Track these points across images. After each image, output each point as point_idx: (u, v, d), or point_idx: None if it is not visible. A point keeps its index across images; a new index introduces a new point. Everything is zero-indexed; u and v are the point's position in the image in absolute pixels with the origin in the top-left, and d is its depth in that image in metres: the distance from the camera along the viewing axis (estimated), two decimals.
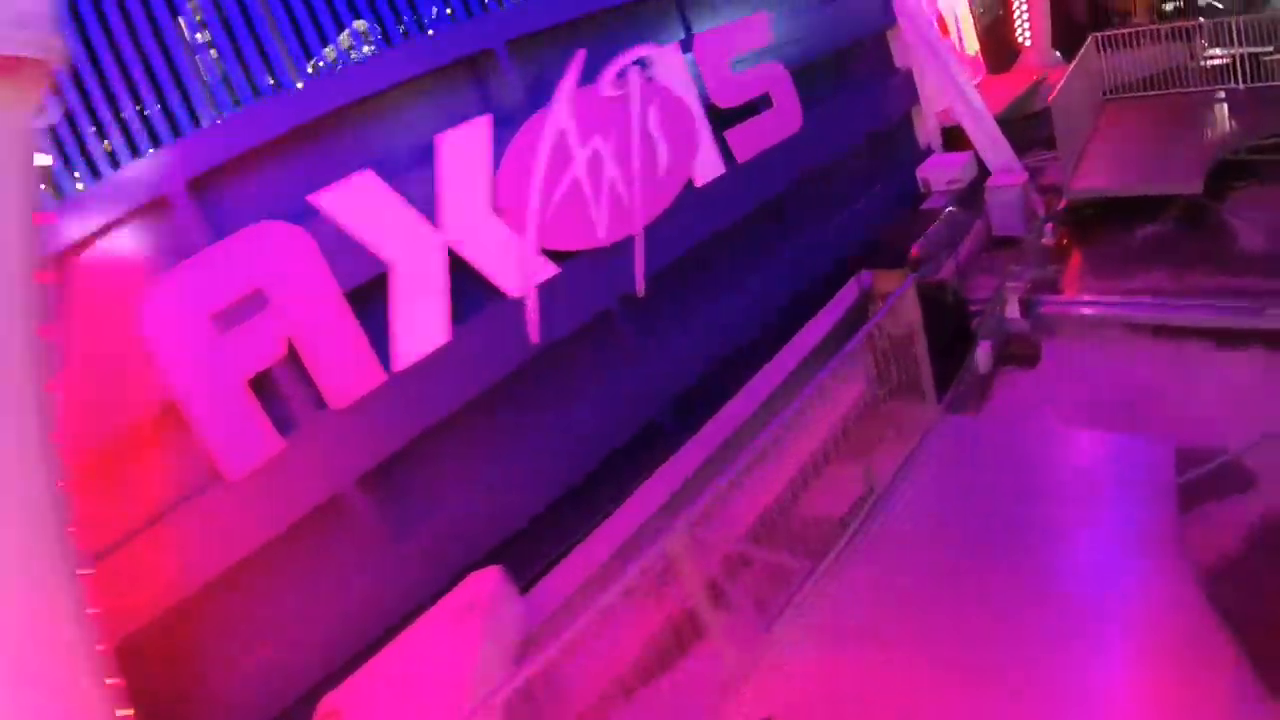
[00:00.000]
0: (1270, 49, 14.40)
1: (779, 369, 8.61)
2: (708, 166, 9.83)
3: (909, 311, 7.12)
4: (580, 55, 8.35)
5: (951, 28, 15.35)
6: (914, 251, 10.10)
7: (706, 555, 5.40)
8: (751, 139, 10.30)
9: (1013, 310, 9.17)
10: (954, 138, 13.52)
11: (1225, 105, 13.68)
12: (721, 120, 10.08)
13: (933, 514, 6.33)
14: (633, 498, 7.41)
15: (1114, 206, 11.56)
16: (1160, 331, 8.81)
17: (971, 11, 16.40)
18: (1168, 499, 5.89)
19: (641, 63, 9.08)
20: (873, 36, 12.77)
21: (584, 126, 8.34)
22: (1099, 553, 5.70)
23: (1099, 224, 11.58)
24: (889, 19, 12.83)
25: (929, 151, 13.38)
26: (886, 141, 12.87)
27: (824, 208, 11.35)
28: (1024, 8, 16.46)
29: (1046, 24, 16.59)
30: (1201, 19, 18.25)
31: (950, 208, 11.59)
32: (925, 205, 12.05)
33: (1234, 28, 13.91)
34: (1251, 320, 8.48)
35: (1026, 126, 14.29)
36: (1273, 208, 10.75)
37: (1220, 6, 24.79)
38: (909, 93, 13.22)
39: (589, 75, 8.47)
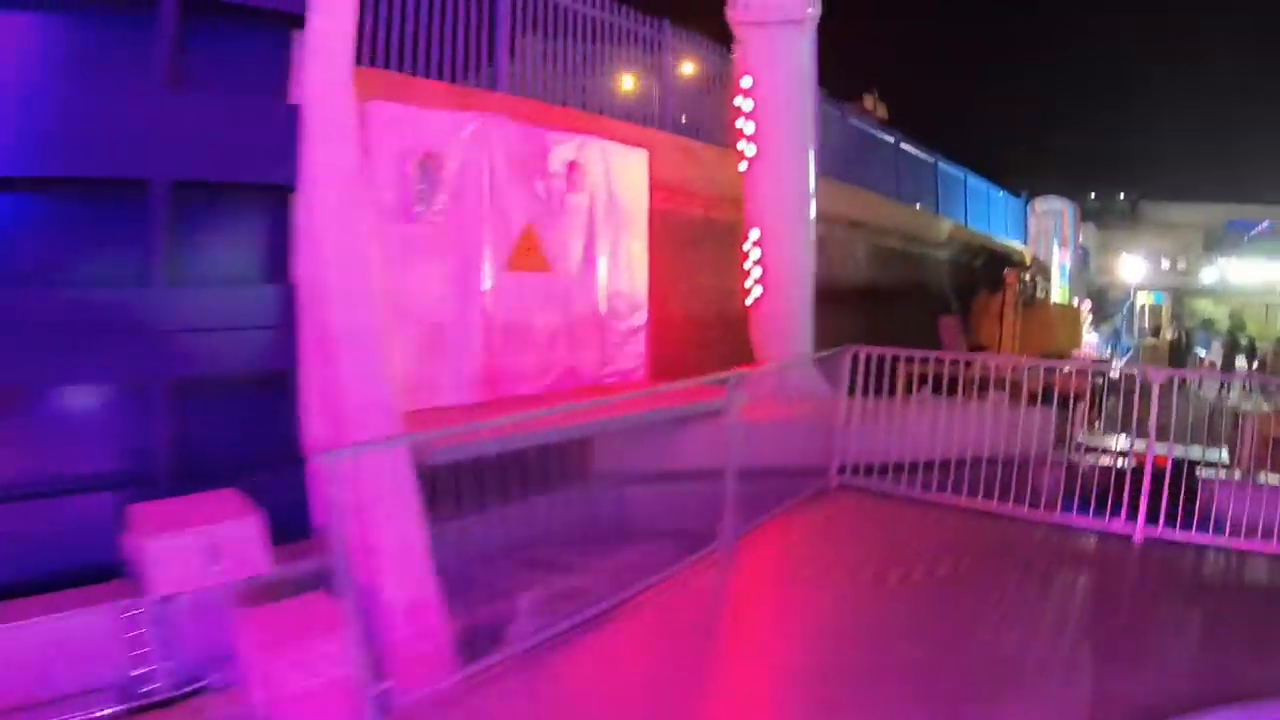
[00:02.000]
0: (1204, 458, 6.50)
1: None
2: None
3: None
4: None
5: (601, 267, 7.37)
6: None
7: None
8: None
9: None
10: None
11: (1093, 574, 5.52)
12: None
13: None
14: None
15: None
16: None
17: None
18: None
19: None
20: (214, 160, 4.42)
21: None
22: None
23: None
24: (279, 154, 4.57)
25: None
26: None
27: None
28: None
29: (801, 327, 8.53)
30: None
31: None
32: None
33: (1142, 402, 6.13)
34: None
35: None
36: None
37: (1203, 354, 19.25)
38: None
39: None
